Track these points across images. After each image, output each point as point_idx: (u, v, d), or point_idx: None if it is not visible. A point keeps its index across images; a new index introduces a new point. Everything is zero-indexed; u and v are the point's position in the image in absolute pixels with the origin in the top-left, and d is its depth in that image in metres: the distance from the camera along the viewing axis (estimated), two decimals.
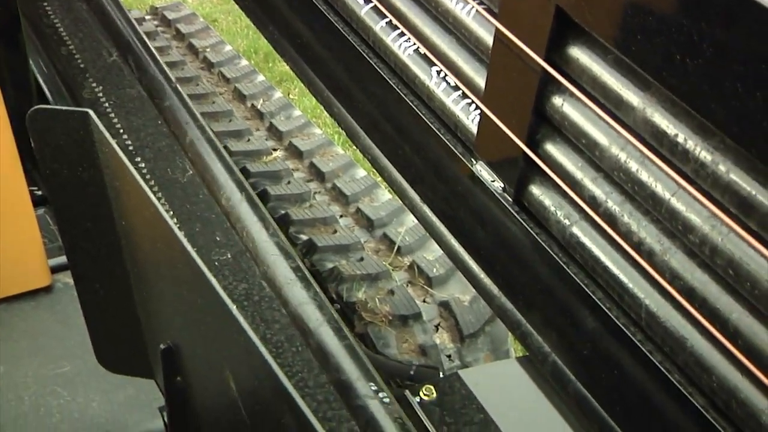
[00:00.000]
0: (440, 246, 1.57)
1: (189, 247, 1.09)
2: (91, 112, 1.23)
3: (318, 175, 2.48)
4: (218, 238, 1.83)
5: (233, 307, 1.00)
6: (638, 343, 1.15)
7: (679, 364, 1.10)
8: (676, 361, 1.10)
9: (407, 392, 1.56)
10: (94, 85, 2.19)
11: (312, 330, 1.63)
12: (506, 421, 1.45)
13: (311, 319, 1.57)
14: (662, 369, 1.11)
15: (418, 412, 1.51)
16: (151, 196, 1.16)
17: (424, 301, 2.07)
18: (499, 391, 1.52)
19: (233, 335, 0.99)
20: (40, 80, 2.24)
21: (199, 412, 1.24)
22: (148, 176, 1.88)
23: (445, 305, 2.06)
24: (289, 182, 2.40)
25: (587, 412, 1.28)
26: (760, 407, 1.00)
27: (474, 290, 1.51)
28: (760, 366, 0.99)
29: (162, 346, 1.24)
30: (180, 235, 1.11)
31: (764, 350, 0.99)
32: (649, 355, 1.13)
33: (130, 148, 1.94)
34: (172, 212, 1.83)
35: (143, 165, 1.91)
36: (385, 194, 2.43)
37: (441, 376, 1.79)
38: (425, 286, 2.12)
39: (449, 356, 1.97)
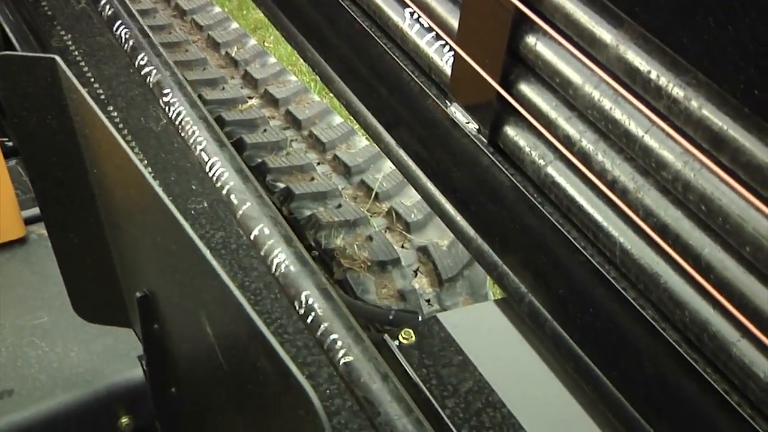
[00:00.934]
0: (417, 190, 1.57)
1: (163, 196, 1.08)
2: (58, 58, 1.20)
3: (294, 122, 2.45)
4: (194, 187, 1.82)
5: (208, 253, 0.99)
6: (613, 281, 1.15)
7: (653, 301, 1.11)
8: (649, 297, 1.11)
9: (386, 336, 1.56)
10: (62, 33, 2.15)
11: (290, 278, 1.63)
12: (484, 362, 1.46)
13: (286, 269, 1.56)
14: (636, 306, 1.13)
15: (397, 356, 1.52)
16: (124, 144, 1.15)
17: (402, 247, 2.08)
18: (477, 333, 1.53)
19: (209, 281, 0.98)
20: (7, 29, 2.20)
21: (177, 358, 1.25)
22: (120, 125, 1.86)
23: (423, 250, 2.07)
24: (265, 130, 2.38)
25: (563, 351, 1.30)
26: (731, 340, 1.01)
27: (452, 234, 1.52)
28: (731, 299, 1.00)
29: (138, 294, 1.23)
30: (154, 184, 1.10)
31: (735, 284, 1.00)
32: (623, 292, 1.14)
33: (102, 97, 1.91)
34: (146, 161, 1.82)
35: (116, 114, 1.89)
36: (362, 141, 2.42)
37: (420, 319, 1.80)
38: (403, 232, 2.12)
39: (428, 301, 1.98)
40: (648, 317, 1.11)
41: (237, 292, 0.92)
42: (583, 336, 1.23)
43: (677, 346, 1.08)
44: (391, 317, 1.75)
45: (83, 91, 1.20)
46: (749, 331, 1.01)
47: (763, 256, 0.95)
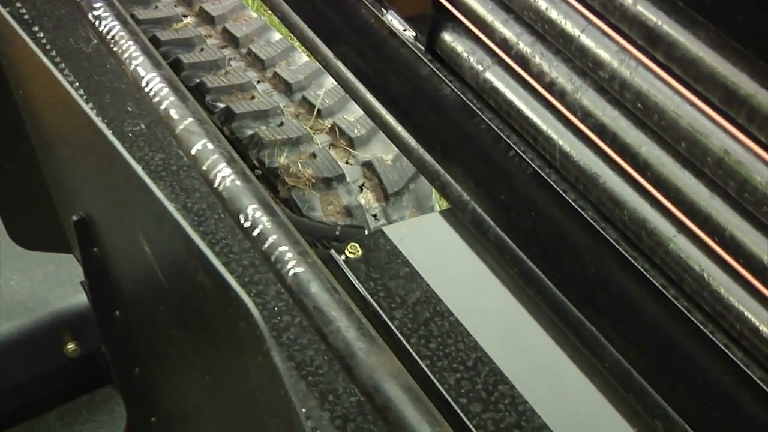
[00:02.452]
0: (357, 103, 1.54)
1: (95, 117, 1.05)
2: None
3: (232, 40, 2.39)
4: (130, 109, 1.77)
5: (140, 170, 0.97)
6: (553, 184, 1.16)
7: (593, 201, 1.12)
8: (589, 198, 1.12)
9: (332, 251, 1.56)
10: None
11: (232, 197, 1.60)
12: (431, 273, 1.47)
13: (228, 188, 1.54)
14: (576, 207, 1.13)
15: (344, 270, 1.51)
16: (51, 66, 1.11)
17: (347, 163, 2.06)
18: (423, 244, 1.53)
19: (144, 199, 0.96)
20: None
21: (119, 281, 1.23)
22: (48, 47, 1.79)
23: (368, 165, 2.06)
24: (202, 49, 2.31)
25: (507, 256, 1.31)
26: (668, 235, 1.03)
27: (396, 148, 1.51)
28: (667, 196, 1.01)
29: (74, 218, 1.21)
30: (85, 106, 1.07)
31: (671, 180, 1.01)
32: (563, 194, 1.15)
33: (26, 17, 1.83)
34: (78, 83, 1.76)
35: (42, 35, 1.82)
36: (302, 57, 2.37)
37: (366, 234, 1.80)
38: (347, 148, 2.10)
39: (375, 216, 1.98)
40: (588, 218, 1.12)
41: (172, 208, 0.90)
42: (526, 240, 1.24)
43: (617, 245, 1.09)
44: (337, 233, 1.74)
45: (4, 11, 1.15)
46: (685, 226, 1.02)
47: (698, 150, 0.96)
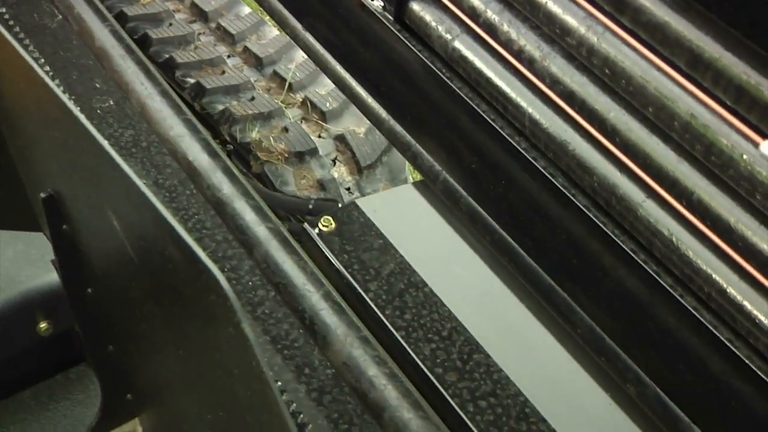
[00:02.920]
0: (328, 75, 1.54)
1: (59, 93, 1.03)
2: None
3: (201, 15, 2.36)
4: (98, 85, 1.75)
5: (106, 144, 0.96)
6: (523, 152, 1.16)
7: (563, 168, 1.12)
8: (559, 165, 1.13)
9: (306, 225, 1.56)
10: None
11: (203, 173, 1.59)
12: (404, 244, 1.47)
13: (199, 164, 1.53)
14: (547, 174, 1.14)
15: (318, 243, 1.51)
16: (14, 41, 1.09)
17: (319, 137, 2.05)
18: (396, 216, 1.53)
19: (110, 174, 0.95)
20: None
21: (90, 258, 1.22)
22: (11, 22, 1.76)
23: (340, 139, 2.05)
24: (170, 24, 2.28)
25: (479, 226, 1.31)
26: (637, 201, 1.03)
27: (368, 121, 1.50)
28: (636, 161, 1.02)
29: (42, 195, 1.19)
30: (51, 83, 1.05)
31: (639, 146, 1.01)
32: (533, 162, 1.15)
33: None
34: (43, 60, 1.73)
35: (4, 10, 1.79)
36: (272, 31, 2.35)
37: (339, 207, 1.79)
38: (319, 121, 2.09)
39: (348, 189, 1.98)
40: (558, 185, 1.12)
41: (140, 182, 0.89)
42: (497, 209, 1.24)
43: (587, 211, 1.10)
44: (310, 207, 1.74)
45: None
46: (654, 190, 1.03)
47: (665, 115, 0.96)
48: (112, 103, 1.73)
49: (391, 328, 1.35)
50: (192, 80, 2.11)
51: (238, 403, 0.91)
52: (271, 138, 1.98)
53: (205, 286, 0.82)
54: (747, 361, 0.96)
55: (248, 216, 1.49)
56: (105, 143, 0.95)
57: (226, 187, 1.54)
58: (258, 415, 0.87)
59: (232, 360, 0.86)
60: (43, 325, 1.44)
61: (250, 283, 1.48)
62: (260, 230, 1.48)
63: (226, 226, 1.53)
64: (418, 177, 1.61)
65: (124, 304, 1.18)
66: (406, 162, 2.03)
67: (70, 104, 1.02)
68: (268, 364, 1.35)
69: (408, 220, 1.52)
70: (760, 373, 0.96)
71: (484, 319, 1.35)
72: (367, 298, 1.40)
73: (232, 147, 1.98)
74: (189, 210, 1.58)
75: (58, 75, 1.73)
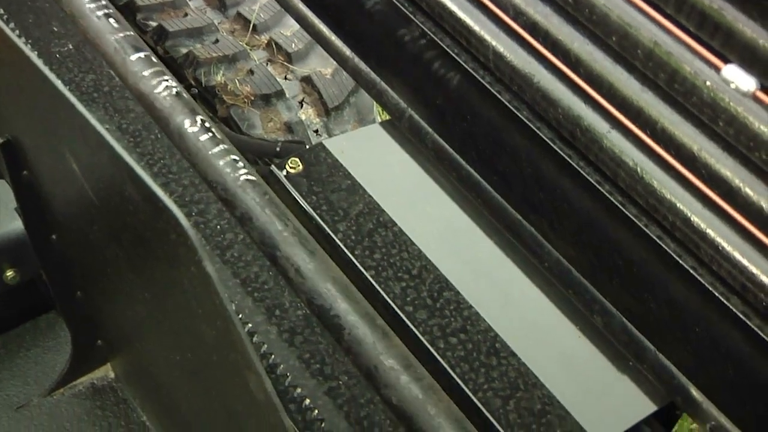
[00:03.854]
0: (290, 13, 1.51)
1: (17, 39, 1.00)
2: None
3: None
4: (56, 29, 1.71)
5: (60, 84, 0.93)
6: (487, 86, 1.15)
7: (527, 101, 1.12)
8: (524, 98, 1.12)
9: (273, 167, 1.54)
10: None
11: (166, 116, 1.57)
12: (373, 184, 1.46)
13: (164, 107, 1.50)
14: (511, 107, 1.13)
15: (286, 185, 1.50)
16: None
17: (285, 78, 2.02)
18: (363, 156, 1.52)
19: (66, 115, 0.93)
20: None
21: (52, 203, 1.20)
22: None
23: (307, 80, 2.02)
24: None
25: (446, 162, 1.31)
26: (601, 131, 1.03)
27: (334, 62, 1.48)
28: (600, 91, 1.01)
29: (0, 141, 1.17)
30: (6, 27, 1.02)
31: (604, 76, 1.00)
32: (498, 95, 1.14)
33: None
34: None
35: None
36: None
37: (306, 148, 1.78)
38: (285, 63, 2.06)
39: (316, 131, 1.96)
40: (523, 118, 1.12)
41: (95, 121, 0.87)
42: (463, 144, 1.24)
43: (552, 143, 1.09)
44: (278, 149, 1.72)
45: None
46: (618, 121, 1.03)
47: (628, 43, 0.95)
48: (71, 47, 1.69)
49: (361, 268, 1.35)
50: (154, 23, 2.06)
51: (204, 343, 0.91)
52: (237, 81, 1.95)
53: (165, 226, 0.81)
54: (710, 288, 0.97)
55: (216, 160, 1.47)
56: (62, 87, 0.93)
57: (191, 132, 1.52)
58: (224, 354, 0.87)
59: (195, 299, 0.86)
60: (9, 273, 1.42)
61: (219, 226, 1.46)
62: (228, 174, 1.47)
63: (193, 170, 1.52)
64: (386, 117, 1.59)
65: (89, 249, 1.17)
66: (375, 103, 2.02)
67: (27, 49, 0.99)
68: (239, 306, 1.34)
69: (376, 159, 1.51)
70: (723, 300, 0.97)
71: (454, 256, 1.35)
72: (336, 239, 1.40)
73: (197, 91, 1.95)
74: (154, 155, 1.56)
75: (14, 19, 1.68)
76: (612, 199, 1.05)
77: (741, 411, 1.02)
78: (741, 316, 0.96)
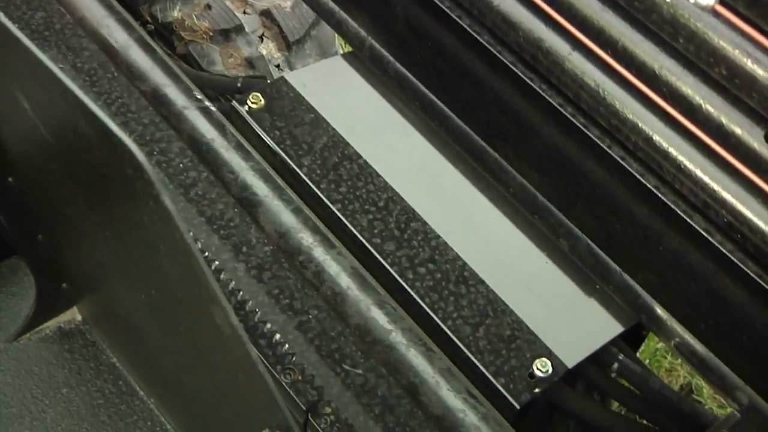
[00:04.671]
0: None
1: None
2: None
3: None
4: None
5: (14, 27, 0.90)
6: (447, 11, 1.13)
7: (488, 25, 1.10)
8: (484, 22, 1.10)
9: (234, 103, 1.52)
10: None
11: (124, 55, 1.53)
12: (336, 117, 1.45)
13: (119, 41, 1.46)
14: (472, 33, 1.11)
15: (248, 121, 1.48)
16: None
17: (244, 13, 1.98)
18: (326, 89, 1.50)
19: (12, 48, 0.90)
20: None
21: (6, 145, 1.17)
22: None
23: (266, 14, 1.98)
24: None
25: (408, 91, 1.29)
26: (563, 54, 1.02)
27: None
28: (561, 12, 1.00)
29: None
30: None
31: None
32: (458, 20, 1.13)
33: None
34: None
35: None
36: None
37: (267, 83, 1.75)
38: None
39: (278, 66, 1.93)
40: (484, 42, 1.10)
41: (44, 56, 0.85)
42: (425, 72, 1.22)
43: (513, 68, 1.08)
44: (239, 85, 1.69)
45: None
46: (580, 42, 1.02)
47: None
48: None
49: (327, 202, 1.34)
50: None
51: (168, 279, 0.90)
52: (194, 16, 1.91)
53: (121, 160, 0.80)
54: (673, 207, 0.98)
55: (175, 97, 1.44)
56: (11, 25, 0.90)
57: (150, 69, 1.49)
58: (188, 289, 0.86)
59: (156, 235, 0.84)
60: None
61: (181, 165, 1.44)
62: (189, 111, 1.44)
63: (153, 108, 1.49)
64: (348, 49, 1.57)
65: (47, 190, 1.15)
66: (336, 35, 1.98)
67: None
68: (205, 244, 1.33)
69: (338, 92, 1.49)
70: (685, 217, 0.97)
71: (419, 187, 1.35)
72: (302, 174, 1.39)
73: (153, 27, 1.91)
74: (111, 93, 1.53)
75: None
76: (575, 121, 1.04)
77: (703, 326, 1.04)
78: (703, 233, 0.97)
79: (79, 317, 1.32)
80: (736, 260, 0.95)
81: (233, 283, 1.29)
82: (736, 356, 1.03)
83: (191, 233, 1.33)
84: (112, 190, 0.90)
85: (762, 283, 0.93)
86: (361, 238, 1.29)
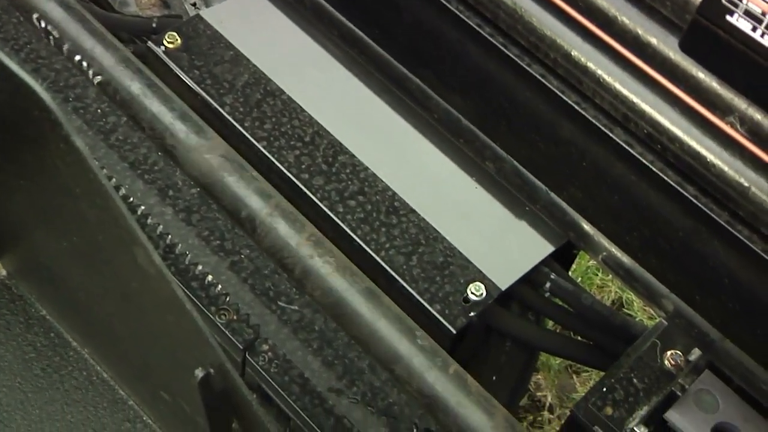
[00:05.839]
0: None
1: None
2: None
3: None
4: None
5: None
6: None
7: None
8: None
9: (150, 44, 1.47)
10: None
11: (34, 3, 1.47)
12: (256, 52, 1.42)
13: None
14: None
15: (165, 62, 1.44)
16: None
17: None
18: (244, 25, 1.46)
19: None
20: None
21: None
22: None
23: None
24: None
25: (326, 20, 1.27)
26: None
27: None
28: None
29: None
30: None
31: None
32: None
33: None
34: None
35: None
36: None
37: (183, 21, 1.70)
38: None
39: (194, 4, 1.87)
40: None
41: None
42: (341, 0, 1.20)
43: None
44: (154, 25, 1.63)
45: None
46: None
47: None
48: None
49: (252, 140, 1.32)
50: None
51: (87, 224, 0.88)
52: None
53: (26, 103, 0.76)
54: (594, 121, 0.98)
55: (88, 41, 1.39)
56: None
57: (57, 12, 1.44)
58: (108, 231, 0.84)
59: (71, 178, 0.82)
60: None
61: (99, 110, 1.40)
62: (103, 55, 1.40)
63: (65, 53, 1.43)
64: None
65: None
66: None
67: None
68: (130, 190, 1.30)
69: (256, 27, 1.46)
70: (606, 131, 0.98)
71: (345, 119, 1.33)
72: (224, 113, 1.36)
73: None
74: (19, 39, 1.46)
75: None
76: (494, 41, 1.03)
77: (628, 238, 1.06)
78: (624, 145, 0.98)
79: (3, 272, 1.29)
80: (656, 170, 0.96)
81: (161, 227, 1.27)
82: (660, 265, 1.05)
83: (113, 179, 1.30)
84: (21, 135, 0.87)
85: (682, 191, 0.95)
86: (289, 174, 1.28)
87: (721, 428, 0.99)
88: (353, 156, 1.30)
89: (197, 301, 1.20)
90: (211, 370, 0.81)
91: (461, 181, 1.27)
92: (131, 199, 1.29)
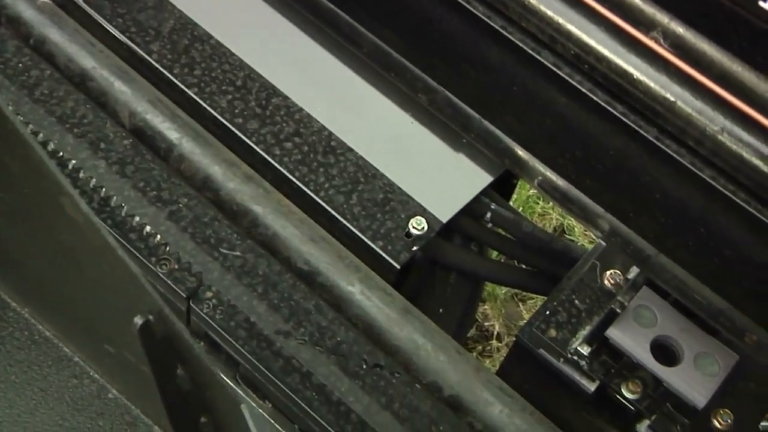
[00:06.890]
0: None
1: None
2: None
3: None
4: None
5: None
6: None
7: None
8: None
9: None
10: None
11: None
12: None
13: None
14: None
15: (87, 11, 1.39)
16: None
17: None
18: None
19: None
20: None
21: None
22: None
23: None
24: None
25: None
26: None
27: None
28: None
29: None
30: None
31: None
32: None
33: None
34: None
35: None
36: None
37: None
38: None
39: None
40: None
41: None
42: None
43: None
44: None
45: None
46: None
47: None
48: None
49: (183, 87, 1.29)
50: None
51: (12, 177, 0.86)
52: None
53: None
54: (521, 45, 0.98)
55: None
56: None
57: None
58: (33, 183, 0.82)
59: None
60: None
61: (21, 64, 1.36)
62: (19, 6, 1.35)
63: None
64: None
65: None
66: None
67: None
68: (60, 144, 1.27)
69: None
70: (534, 54, 0.98)
71: (276, 61, 1.31)
72: (152, 60, 1.33)
73: None
74: None
75: None
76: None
77: (562, 161, 1.07)
78: (552, 67, 0.98)
79: None
80: (585, 90, 0.96)
81: (94, 180, 1.24)
82: (595, 185, 1.06)
83: (40, 134, 1.26)
84: None
85: (611, 109, 0.95)
86: (222, 120, 1.26)
87: (660, 341, 1.02)
88: (287, 98, 1.28)
89: (137, 253, 1.18)
90: (150, 317, 0.80)
91: (396, 116, 1.26)
92: (61, 153, 1.26)
